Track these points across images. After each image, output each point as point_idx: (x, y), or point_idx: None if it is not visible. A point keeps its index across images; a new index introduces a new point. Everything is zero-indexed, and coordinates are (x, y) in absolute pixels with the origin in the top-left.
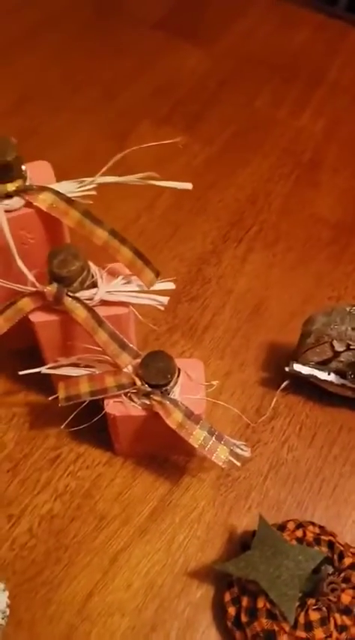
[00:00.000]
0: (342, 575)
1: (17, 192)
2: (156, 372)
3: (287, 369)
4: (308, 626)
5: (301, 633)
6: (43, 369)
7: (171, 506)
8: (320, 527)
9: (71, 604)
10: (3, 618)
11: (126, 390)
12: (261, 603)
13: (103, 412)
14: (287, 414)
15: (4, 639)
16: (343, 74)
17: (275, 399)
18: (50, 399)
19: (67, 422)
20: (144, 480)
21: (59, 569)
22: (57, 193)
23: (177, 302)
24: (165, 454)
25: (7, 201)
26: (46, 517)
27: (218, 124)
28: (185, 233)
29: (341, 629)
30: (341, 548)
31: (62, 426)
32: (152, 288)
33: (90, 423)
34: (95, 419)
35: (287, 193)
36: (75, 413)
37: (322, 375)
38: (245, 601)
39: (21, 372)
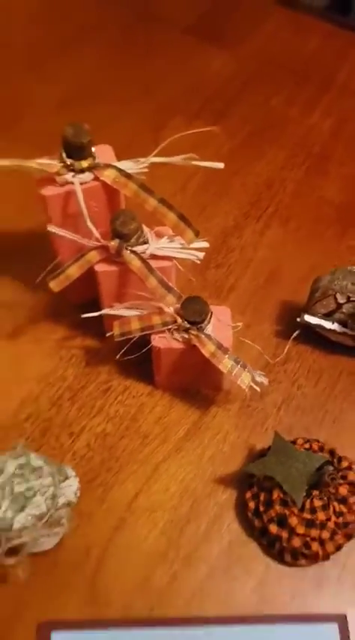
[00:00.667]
0: (340, 473)
1: (89, 169)
2: (194, 312)
3: (298, 319)
4: (313, 511)
5: (307, 515)
6: (104, 311)
7: (201, 429)
8: (323, 443)
9: (121, 502)
10: (75, 497)
11: (169, 327)
12: (275, 495)
13: (149, 346)
14: (297, 359)
15: (70, 523)
16: (350, 78)
17: (287, 346)
18: (107, 335)
19: (120, 354)
20: (179, 408)
21: (111, 475)
22: (119, 170)
23: (206, 268)
24: (196, 388)
25: (80, 175)
26: (100, 435)
27: (239, 120)
28: (211, 211)
29: (339, 514)
30: (340, 455)
31: (117, 357)
32: (191, 245)
33: (137, 358)
34: (142, 351)
35: (298, 180)
36: (125, 348)
37: (327, 324)
38: (262, 495)
39: (83, 315)
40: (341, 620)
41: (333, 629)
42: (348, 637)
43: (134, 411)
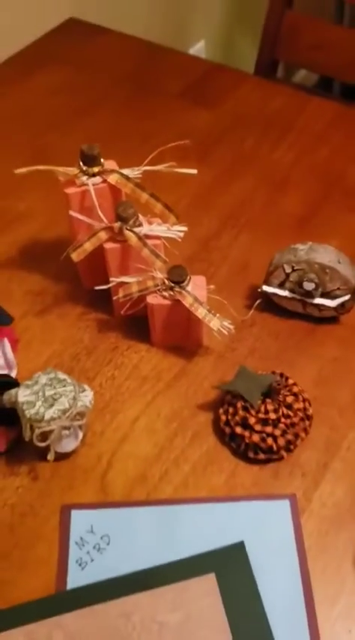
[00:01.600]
0: (287, 388)
1: (98, 173)
2: (177, 275)
3: (259, 290)
4: (266, 412)
5: (261, 415)
6: (113, 281)
7: (186, 373)
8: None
9: (125, 423)
10: (89, 403)
11: (159, 287)
12: (239, 405)
13: (144, 303)
14: (261, 323)
15: (87, 419)
16: (306, 125)
17: (251, 311)
18: (114, 298)
19: (124, 310)
20: (170, 359)
21: (118, 405)
22: (120, 173)
23: (193, 261)
24: (183, 344)
25: (93, 178)
26: (109, 378)
27: (219, 158)
28: (197, 222)
29: (286, 416)
30: (287, 376)
31: (122, 312)
32: (174, 228)
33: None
34: (140, 306)
35: (265, 198)
36: (127, 306)
37: (281, 292)
38: (230, 409)
39: (97, 288)
40: (292, 498)
41: (286, 504)
42: (297, 509)
43: (135, 361)
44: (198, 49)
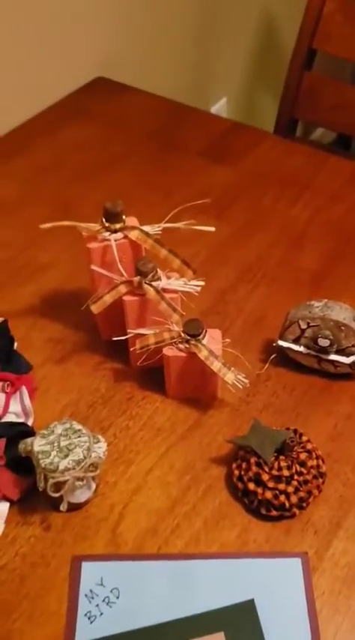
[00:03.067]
0: (301, 444)
1: (120, 229)
2: (193, 328)
3: (274, 344)
4: (279, 469)
5: (275, 472)
6: (130, 332)
7: (201, 425)
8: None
9: (138, 474)
10: (103, 454)
11: (175, 340)
12: (252, 460)
13: (160, 355)
14: (276, 377)
15: (100, 469)
16: (323, 184)
17: (266, 365)
18: (131, 349)
19: (140, 361)
20: (185, 410)
21: (132, 455)
22: (141, 230)
23: (208, 314)
24: (198, 396)
25: (114, 235)
26: (124, 428)
27: (237, 213)
28: (213, 275)
29: (299, 474)
30: (301, 432)
31: (138, 363)
32: (191, 282)
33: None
34: (156, 358)
35: (281, 254)
36: (144, 357)
37: (296, 347)
38: (244, 465)
39: (114, 338)
40: (304, 556)
41: (297, 562)
42: (309, 568)
43: (150, 412)
44: (220, 106)
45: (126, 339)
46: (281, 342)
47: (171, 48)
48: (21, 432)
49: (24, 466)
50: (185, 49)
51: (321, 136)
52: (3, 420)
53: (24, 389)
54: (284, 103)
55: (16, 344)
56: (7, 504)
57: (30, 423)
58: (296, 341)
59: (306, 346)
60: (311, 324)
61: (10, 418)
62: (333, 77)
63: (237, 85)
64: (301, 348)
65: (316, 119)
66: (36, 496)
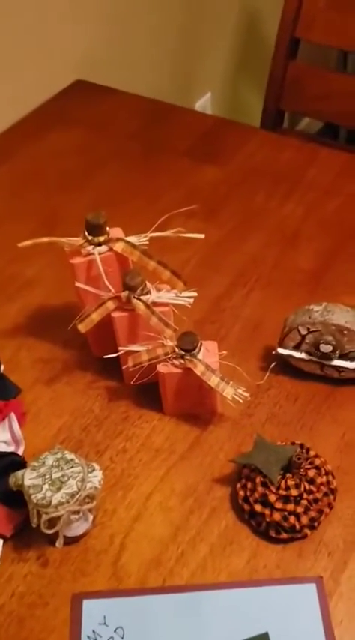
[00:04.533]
0: (308, 460)
1: (104, 242)
2: (187, 342)
3: (274, 352)
4: (287, 488)
5: (282, 492)
6: (122, 349)
7: (201, 443)
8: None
9: (138, 500)
10: (99, 484)
11: (169, 356)
12: (257, 480)
13: (155, 372)
14: (278, 386)
15: (97, 502)
16: (315, 178)
17: (267, 374)
18: (124, 367)
19: (134, 380)
20: (184, 428)
21: (131, 480)
22: (126, 242)
23: (203, 324)
24: (196, 412)
25: (98, 248)
26: (120, 451)
27: (228, 215)
28: (207, 281)
29: (309, 492)
30: (308, 447)
31: (132, 382)
32: (182, 294)
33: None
34: (150, 375)
35: (276, 255)
36: (138, 375)
37: (296, 354)
38: (249, 484)
39: (105, 356)
40: (318, 581)
41: (312, 588)
42: (325, 594)
43: (147, 432)
44: (204, 101)
45: (118, 355)
46: (281, 350)
47: (152, 45)
48: (12, 462)
49: (17, 498)
50: (166, 45)
51: (308, 126)
52: None
53: (12, 415)
54: (269, 94)
55: (2, 367)
56: (1, 541)
57: (21, 451)
58: (296, 348)
59: (308, 353)
60: (311, 330)
61: None
62: (318, 66)
63: (221, 79)
64: (302, 355)
65: (302, 109)
66: (30, 529)
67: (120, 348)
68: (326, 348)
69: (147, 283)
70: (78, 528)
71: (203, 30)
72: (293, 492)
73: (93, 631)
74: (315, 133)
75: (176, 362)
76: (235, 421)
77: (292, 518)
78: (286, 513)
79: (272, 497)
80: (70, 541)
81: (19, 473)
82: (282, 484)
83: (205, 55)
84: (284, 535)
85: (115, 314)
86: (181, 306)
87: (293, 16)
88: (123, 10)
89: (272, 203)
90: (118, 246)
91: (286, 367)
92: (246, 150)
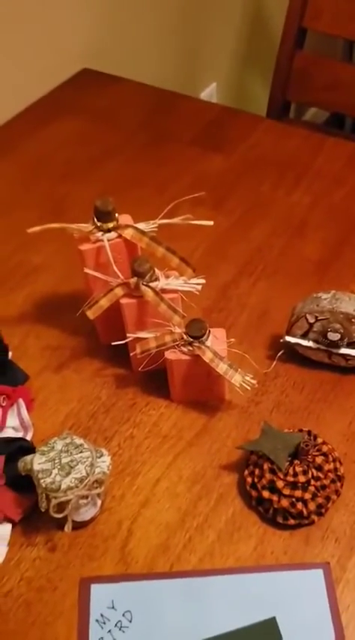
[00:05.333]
0: (316, 447)
1: (113, 229)
2: (195, 329)
3: (281, 340)
4: (295, 475)
5: (290, 478)
6: (130, 336)
7: (209, 429)
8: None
9: (146, 486)
10: (107, 469)
11: (178, 343)
12: (265, 466)
13: (163, 359)
14: (285, 374)
15: (105, 486)
16: (322, 167)
17: (274, 362)
18: (132, 354)
19: (142, 366)
20: (191, 415)
21: (138, 466)
22: (135, 228)
23: (211, 312)
24: (204, 399)
25: (107, 234)
26: (128, 437)
27: (235, 203)
28: (214, 270)
29: (316, 479)
30: (315, 434)
31: (140, 368)
32: (191, 281)
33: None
34: (158, 362)
35: (283, 244)
36: (146, 362)
37: (304, 342)
38: (256, 471)
39: (113, 343)
40: (325, 567)
41: (319, 574)
42: (332, 580)
43: (155, 419)
44: (210, 91)
45: (126, 342)
46: (288, 338)
47: (158, 34)
48: (20, 447)
49: (25, 483)
50: (172, 34)
51: (314, 116)
52: (1, 436)
53: (21, 401)
54: (275, 84)
55: (10, 353)
56: (10, 526)
57: (29, 437)
58: (304, 336)
59: (315, 341)
60: (319, 318)
61: (8, 433)
62: (325, 55)
63: (226, 69)
64: (310, 343)
65: (309, 99)
66: (39, 514)
67: (128, 335)
68: (334, 336)
69: (156, 270)
70: (86, 513)
71: (209, 19)
72: (301, 479)
73: (102, 615)
74: (322, 123)
75: (184, 349)
76: (242, 409)
77: (300, 505)
78: (294, 500)
79: (280, 484)
80: (78, 526)
81: (28, 457)
82: (290, 471)
83: (211, 44)
84: (291, 521)
85: (124, 300)
86: (190, 292)
87: (301, 5)
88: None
89: (278, 192)
90: (127, 233)
91: (293, 355)
92: (252, 138)
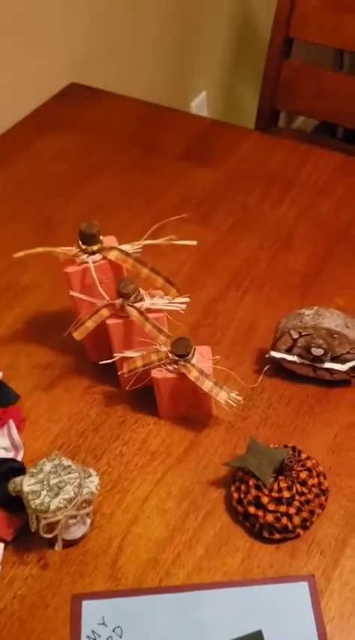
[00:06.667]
0: (300, 462)
1: (98, 251)
2: (181, 347)
3: (267, 355)
4: (279, 490)
5: (275, 494)
6: (117, 355)
7: (196, 445)
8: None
9: (135, 503)
10: (96, 489)
11: (163, 362)
12: (251, 482)
13: (150, 377)
14: (271, 389)
15: (94, 506)
16: (309, 179)
17: (260, 377)
18: (119, 373)
19: (129, 385)
20: (179, 432)
21: (128, 483)
22: (120, 250)
23: (198, 327)
24: (192, 415)
25: (92, 256)
26: (117, 455)
27: (222, 217)
28: (201, 285)
29: (301, 493)
30: (300, 449)
31: (127, 388)
32: (175, 300)
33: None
34: (145, 381)
35: (270, 256)
36: (133, 381)
37: (289, 357)
38: (242, 487)
39: (101, 362)
40: (310, 579)
41: (304, 586)
42: (317, 592)
43: (143, 436)
44: (199, 100)
45: (114, 361)
46: (273, 353)
47: (147, 45)
48: (11, 468)
49: (16, 503)
50: (161, 45)
51: (303, 123)
52: None
53: (11, 422)
54: (264, 94)
55: (1, 373)
56: (2, 545)
57: (20, 457)
58: (288, 351)
59: (300, 356)
60: (303, 334)
61: None
62: (313, 64)
63: (216, 78)
64: (295, 358)
65: (297, 108)
66: (30, 533)
67: (115, 354)
68: (317, 352)
69: (141, 290)
70: (76, 532)
71: (197, 29)
72: (286, 494)
73: (93, 631)
74: (312, 130)
75: (170, 367)
76: (230, 424)
77: (284, 519)
78: (279, 514)
79: (264, 500)
80: (69, 544)
81: (18, 479)
82: (275, 486)
83: (200, 54)
84: (277, 535)
85: (110, 321)
86: (176, 311)
87: (287, 15)
88: (117, 12)
89: (265, 205)
90: (112, 255)
91: (279, 370)
92: (239, 151)
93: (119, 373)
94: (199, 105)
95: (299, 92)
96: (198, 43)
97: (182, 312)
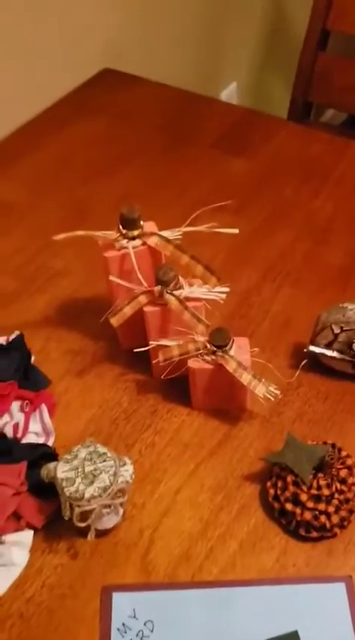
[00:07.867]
0: (340, 460)
1: (138, 236)
2: (219, 338)
3: (305, 350)
4: (319, 488)
5: (314, 492)
6: (152, 343)
7: (231, 439)
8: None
9: (167, 495)
10: (130, 478)
11: (201, 351)
12: (289, 479)
13: (186, 367)
14: (308, 384)
15: (128, 495)
16: (345, 173)
17: (298, 372)
18: (154, 362)
19: (165, 374)
20: (213, 423)
21: (160, 474)
22: (160, 236)
23: (232, 319)
24: (226, 408)
25: (132, 242)
26: (149, 445)
27: (257, 208)
28: (236, 276)
29: (340, 492)
30: (339, 446)
31: (162, 377)
32: (215, 289)
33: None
34: (181, 370)
35: (306, 250)
36: (168, 370)
37: (328, 352)
38: (279, 482)
39: (136, 350)
40: (348, 580)
41: (341, 587)
42: (354, 593)
43: (176, 426)
44: (230, 91)
45: (148, 349)
46: (312, 348)
47: (179, 33)
48: (43, 454)
49: (47, 489)
50: (192, 34)
51: (332, 118)
52: (23, 442)
53: (43, 406)
54: (297, 86)
55: (33, 358)
56: (31, 532)
57: (51, 442)
58: (328, 346)
59: (340, 351)
60: (345, 329)
61: (30, 438)
62: (347, 57)
63: (246, 69)
64: (334, 354)
65: (330, 101)
66: (61, 520)
67: (150, 342)
68: None
69: (180, 278)
70: (109, 521)
71: (229, 19)
72: (325, 492)
73: (123, 624)
74: (339, 124)
75: (207, 357)
76: (264, 418)
77: (323, 518)
78: (317, 512)
79: (303, 497)
80: (99, 533)
81: (51, 465)
82: (314, 484)
83: (231, 44)
84: (314, 534)
85: (147, 308)
86: (211, 300)
87: (325, 7)
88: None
89: (301, 197)
90: (152, 241)
91: (316, 365)
92: (274, 142)
93: (154, 362)
94: (229, 95)
95: (333, 85)
96: (230, 34)
97: (221, 301)
